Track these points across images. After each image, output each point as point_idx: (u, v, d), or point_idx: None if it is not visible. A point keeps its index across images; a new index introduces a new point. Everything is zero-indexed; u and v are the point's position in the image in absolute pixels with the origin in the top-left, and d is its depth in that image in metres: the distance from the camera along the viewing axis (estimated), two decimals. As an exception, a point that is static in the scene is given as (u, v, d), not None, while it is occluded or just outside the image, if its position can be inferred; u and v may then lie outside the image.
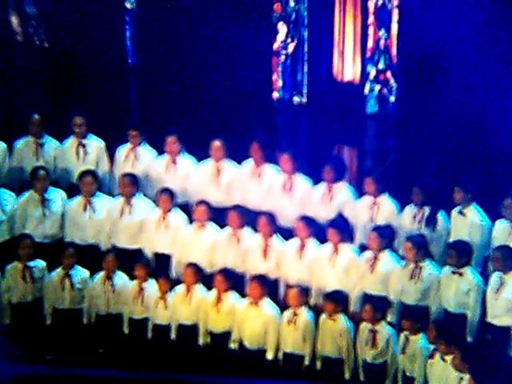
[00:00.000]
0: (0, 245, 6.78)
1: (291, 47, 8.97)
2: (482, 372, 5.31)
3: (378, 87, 8.53)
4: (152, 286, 6.56)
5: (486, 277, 6.12)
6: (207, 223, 6.80)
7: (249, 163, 7.12)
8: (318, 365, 6.20)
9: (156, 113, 8.33)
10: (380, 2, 8.46)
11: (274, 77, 8.97)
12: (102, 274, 6.61)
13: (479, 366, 5.39)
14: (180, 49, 8.77)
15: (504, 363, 5.80)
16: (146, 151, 7.41)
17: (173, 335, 6.53)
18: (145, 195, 7.16)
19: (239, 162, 7.20)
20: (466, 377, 5.40)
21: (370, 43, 8.53)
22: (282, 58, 9.01)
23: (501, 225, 6.26)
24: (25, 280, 6.53)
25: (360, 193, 6.77)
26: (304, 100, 8.82)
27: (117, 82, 8.63)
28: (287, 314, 6.27)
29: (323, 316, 6.19)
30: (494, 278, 6.01)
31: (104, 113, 8.03)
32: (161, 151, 7.35)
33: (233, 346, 6.37)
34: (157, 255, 6.90)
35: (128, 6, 9.29)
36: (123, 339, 6.57)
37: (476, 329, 6.02)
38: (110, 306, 6.58)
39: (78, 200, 6.98)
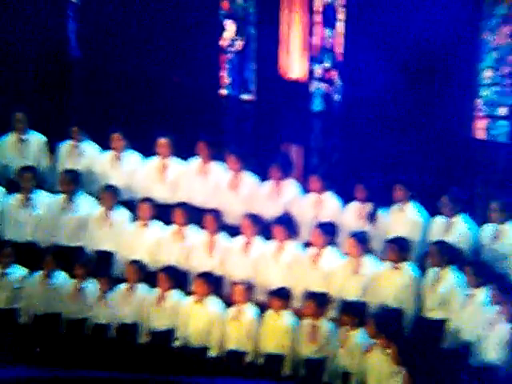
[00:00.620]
0: None
1: (239, 45, 8.94)
2: (417, 365, 5.42)
3: (323, 86, 8.59)
4: (92, 285, 6.43)
5: (424, 272, 6.22)
6: (151, 220, 6.71)
7: (195, 160, 7.07)
8: (261, 361, 6.19)
9: (100, 109, 8.18)
10: (326, 1, 8.52)
11: (222, 74, 8.93)
12: (40, 272, 6.45)
13: (415, 359, 5.50)
14: (126, 44, 8.63)
15: (438, 356, 5.91)
16: (89, 147, 7.28)
17: (113, 334, 6.42)
18: (88, 192, 7.02)
19: (186, 160, 7.13)
20: (402, 370, 5.49)
21: (317, 42, 8.59)
22: (230, 55, 8.97)
23: (438, 221, 6.40)
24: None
25: (306, 190, 6.79)
26: (252, 97, 8.81)
27: (59, 76, 8.44)
28: (232, 310, 6.26)
29: (269, 312, 6.19)
30: (430, 273, 6.14)
31: (46, 108, 7.84)
32: (105, 147, 7.22)
33: (176, 343, 6.29)
34: (99, 253, 6.78)
35: (71, -1, 9.09)
36: (61, 339, 6.42)
37: (412, 323, 6.11)
38: (48, 305, 6.42)
39: (17, 196, 6.80)
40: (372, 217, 6.48)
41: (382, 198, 6.46)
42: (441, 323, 6.03)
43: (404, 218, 6.43)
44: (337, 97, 8.44)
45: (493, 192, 7.01)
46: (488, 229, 6.26)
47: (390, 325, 5.82)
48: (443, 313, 6.03)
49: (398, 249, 6.11)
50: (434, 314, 6.07)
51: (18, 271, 6.47)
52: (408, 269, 6.16)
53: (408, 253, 6.16)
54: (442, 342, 6.00)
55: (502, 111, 7.76)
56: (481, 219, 6.38)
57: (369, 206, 6.51)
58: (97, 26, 8.64)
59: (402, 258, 6.13)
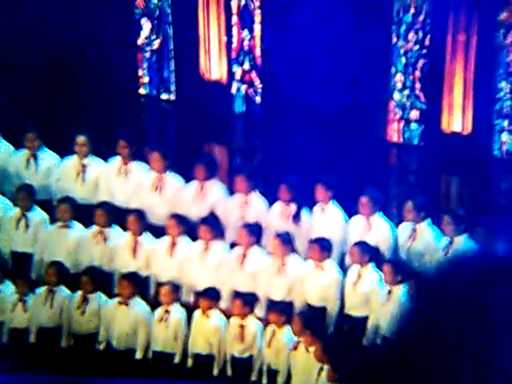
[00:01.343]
0: None
1: (156, 43, 8.84)
2: (340, 361, 5.55)
3: (244, 87, 8.66)
4: (8, 288, 6.16)
5: (344, 271, 6.41)
6: (71, 221, 6.52)
7: (115, 160, 6.93)
8: (190, 362, 6.18)
9: (14, 106, 7.84)
10: (242, 3, 8.57)
11: (140, 72, 8.80)
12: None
13: (338, 355, 5.62)
14: (42, 40, 8.33)
15: (360, 352, 6.11)
16: (2, 146, 6.95)
17: (32, 338, 6.19)
18: (2, 192, 6.71)
19: (105, 159, 6.97)
20: (326, 367, 5.62)
21: (235, 43, 8.63)
22: (148, 54, 8.85)
23: (357, 221, 6.59)
24: None
25: (231, 191, 6.82)
26: (172, 97, 8.73)
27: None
28: (158, 311, 6.20)
29: (197, 313, 6.18)
30: (351, 271, 6.32)
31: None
32: (19, 147, 6.93)
33: (101, 346, 6.16)
34: (15, 255, 6.51)
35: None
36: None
37: (335, 320, 6.28)
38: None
39: None
40: (296, 217, 6.59)
41: (305, 199, 6.57)
42: (362, 320, 6.22)
43: (325, 218, 6.58)
44: (258, 98, 8.55)
45: (407, 192, 7.33)
46: (404, 228, 6.51)
47: (314, 323, 5.92)
48: (364, 310, 6.21)
49: (321, 248, 6.25)
50: (356, 312, 6.25)
51: None
52: (331, 268, 6.31)
53: (330, 252, 6.30)
54: (363, 338, 6.19)
55: (415, 114, 8.15)
56: (397, 219, 6.63)
57: (292, 207, 6.62)
58: (12, 22, 8.28)
59: (324, 258, 6.27)
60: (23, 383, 5.74)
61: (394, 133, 8.15)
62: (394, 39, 7.94)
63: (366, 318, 6.18)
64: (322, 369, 5.64)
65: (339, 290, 6.26)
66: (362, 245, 6.29)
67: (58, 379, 5.78)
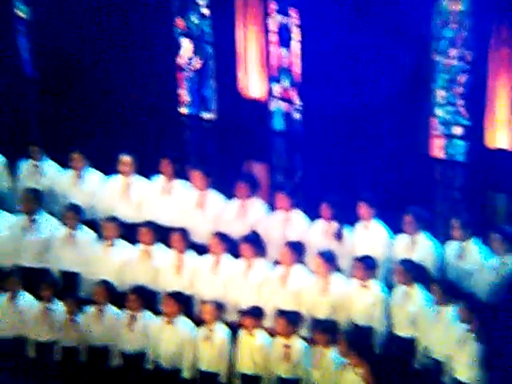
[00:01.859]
0: None
1: (197, 63, 8.98)
2: (389, 383, 5.48)
3: (283, 105, 8.72)
4: (59, 307, 6.31)
5: (390, 289, 6.35)
6: (116, 240, 6.64)
7: (159, 179, 7.05)
8: (237, 382, 6.19)
9: (59, 127, 8.05)
10: (281, 21, 8.65)
11: (181, 92, 8.94)
12: (5, 295, 6.28)
13: (387, 377, 5.56)
14: (82, 61, 8.54)
15: (409, 374, 6.03)
16: (49, 166, 7.16)
17: (83, 357, 6.30)
18: (50, 212, 6.89)
19: (149, 178, 7.10)
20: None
21: (274, 61, 8.71)
22: (189, 73, 9.00)
23: (401, 239, 6.54)
24: None
25: (272, 209, 6.87)
26: (213, 116, 8.84)
27: (15, 95, 8.27)
28: (203, 330, 6.24)
29: (242, 332, 6.20)
30: (398, 291, 6.26)
31: (3, 127, 7.67)
32: (65, 166, 7.12)
33: (149, 366, 6.24)
34: (64, 274, 6.66)
35: (20, 14, 8.91)
36: (30, 363, 6.26)
37: (383, 341, 6.22)
38: (15, 328, 6.25)
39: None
40: (338, 235, 6.59)
41: (347, 216, 6.57)
42: (411, 341, 6.14)
43: (369, 236, 6.55)
44: (297, 115, 8.59)
45: (453, 210, 7.26)
46: (451, 247, 6.41)
47: (360, 343, 5.87)
48: (413, 331, 6.14)
49: (365, 267, 6.21)
50: (404, 332, 6.18)
51: (-18, 294, 6.30)
52: (375, 287, 6.26)
53: (375, 271, 6.27)
54: (413, 360, 6.11)
55: (458, 131, 8.08)
56: (442, 237, 6.55)
57: (334, 224, 6.62)
58: (51, 43, 8.52)
59: (369, 276, 6.24)
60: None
61: (438, 149, 8.09)
62: (435, 55, 7.91)
63: (415, 340, 6.10)
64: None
65: (385, 310, 6.21)
66: (407, 263, 6.22)
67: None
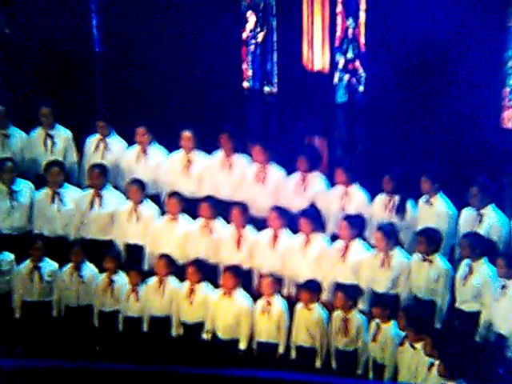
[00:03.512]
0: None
1: (260, 36, 8.94)
2: (451, 357, 5.41)
3: (347, 76, 8.57)
4: (122, 278, 6.51)
5: (453, 264, 6.21)
6: (179, 215, 6.76)
7: (219, 154, 7.10)
8: (293, 354, 6.24)
9: (124, 103, 8.23)
10: (347, -9, 8.47)
11: (244, 66, 8.94)
12: (69, 265, 6.54)
13: (448, 351, 5.48)
14: (148, 37, 8.66)
15: (472, 348, 5.91)
16: (115, 142, 7.34)
17: (145, 327, 6.50)
18: (115, 186, 7.08)
19: (209, 153, 7.16)
20: (436, 363, 5.49)
21: (339, 32, 8.55)
22: (252, 47, 8.97)
23: (467, 213, 6.37)
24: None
25: (331, 182, 6.81)
26: (274, 89, 8.80)
27: (84, 71, 8.50)
28: (260, 303, 6.30)
29: (299, 305, 6.23)
30: (463, 265, 6.12)
31: (72, 103, 7.90)
32: (130, 141, 7.27)
33: (206, 336, 6.37)
34: (128, 247, 6.85)
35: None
36: (94, 331, 6.52)
37: (444, 315, 6.12)
38: (80, 297, 6.51)
39: (46, 191, 6.88)
40: (400, 209, 6.47)
41: (409, 190, 6.44)
42: (474, 316, 6.02)
43: (432, 210, 6.40)
44: (360, 88, 8.43)
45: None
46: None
47: (421, 317, 5.81)
48: (477, 305, 6.02)
49: (428, 240, 6.11)
50: (468, 307, 6.06)
51: (48, 265, 6.56)
52: (438, 261, 6.15)
53: (438, 244, 6.14)
54: (476, 334, 5.99)
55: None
56: (511, 210, 6.34)
57: (396, 198, 6.49)
58: (119, 21, 8.68)
59: (431, 250, 6.12)
60: (134, 371, 6.05)
61: (509, 120, 7.75)
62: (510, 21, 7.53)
63: (478, 314, 5.98)
64: (432, 364, 5.51)
65: (449, 284, 6.10)
66: (472, 237, 6.09)
67: (166, 368, 6.05)
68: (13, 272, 6.50)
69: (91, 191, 6.90)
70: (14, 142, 7.20)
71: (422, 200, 6.50)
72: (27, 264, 6.51)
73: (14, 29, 8.53)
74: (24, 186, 6.89)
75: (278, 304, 6.23)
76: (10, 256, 6.53)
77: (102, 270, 6.59)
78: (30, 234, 6.79)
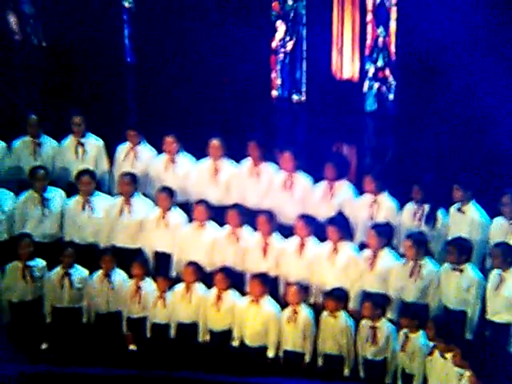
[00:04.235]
0: (0, 243, 6.79)
1: (290, 45, 8.98)
2: (482, 369, 5.31)
3: (376, 85, 8.55)
4: (150, 285, 6.56)
5: (484, 273, 6.12)
6: (207, 222, 6.80)
7: (247, 162, 7.13)
8: (320, 362, 6.21)
9: (154, 111, 8.33)
10: (378, 0, 8.47)
11: (273, 75, 8.98)
12: (100, 272, 6.62)
13: (480, 362, 5.39)
14: (178, 47, 8.77)
15: (504, 360, 5.80)
16: (145, 150, 7.42)
17: (172, 333, 6.54)
18: (144, 194, 7.16)
19: (237, 161, 7.20)
20: (467, 373, 5.41)
21: (369, 41, 8.55)
22: (281, 56, 9.02)
23: (499, 222, 6.28)
24: (25, 279, 6.53)
25: (360, 191, 6.77)
26: (303, 98, 8.83)
27: (115, 80, 8.65)
28: (287, 311, 6.28)
29: (324, 313, 6.20)
30: (494, 274, 6.03)
31: (103, 112, 8.03)
32: (159, 150, 7.35)
33: (234, 344, 6.37)
34: (156, 254, 6.90)
35: (126, 4, 9.29)
36: (123, 338, 6.57)
37: (476, 326, 6.02)
38: (109, 304, 6.58)
39: (77, 199, 6.98)
40: (430, 217, 6.40)
41: (440, 198, 6.37)
42: (507, 327, 5.91)
43: (465, 218, 6.32)
44: (390, 96, 8.40)
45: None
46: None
47: (451, 327, 5.73)
48: (508, 316, 5.91)
49: (459, 250, 6.02)
50: (499, 318, 5.96)
51: (79, 272, 6.64)
52: (469, 270, 6.06)
53: (469, 254, 6.06)
54: (508, 345, 5.88)
55: None
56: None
57: (426, 207, 6.42)
58: (150, 31, 8.81)
59: (462, 260, 6.04)
60: (161, 377, 6.09)
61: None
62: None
63: (510, 325, 5.88)
64: (462, 375, 5.42)
65: (480, 294, 6.01)
66: (504, 246, 5.98)
67: (194, 375, 6.08)
68: (44, 278, 6.60)
69: (121, 199, 6.98)
70: (45, 151, 7.33)
71: (453, 208, 6.42)
72: (58, 270, 6.60)
73: (47, 39, 8.72)
74: (55, 194, 7.00)
75: (305, 312, 6.21)
76: (41, 262, 6.64)
77: (130, 277, 6.65)
78: (61, 241, 6.89)
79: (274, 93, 8.96)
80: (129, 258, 6.72)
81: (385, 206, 6.59)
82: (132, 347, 6.46)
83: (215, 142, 7.15)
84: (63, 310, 6.56)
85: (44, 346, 6.39)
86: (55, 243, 6.86)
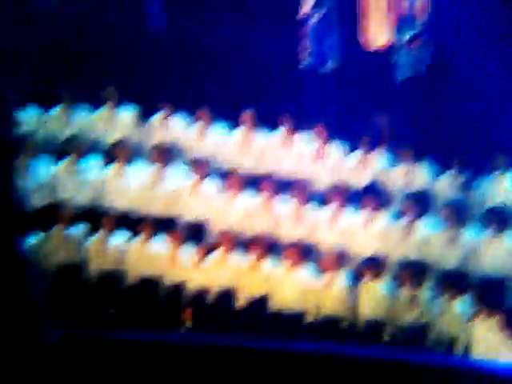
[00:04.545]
0: (41, 210, 6.93)
1: (320, 14, 8.91)
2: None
3: (409, 53, 8.49)
4: (188, 251, 6.68)
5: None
6: (241, 191, 6.87)
7: (280, 132, 7.17)
8: (359, 327, 6.29)
9: (187, 82, 8.34)
10: (409, -33, 8.34)
11: (303, 45, 8.94)
12: (139, 238, 6.73)
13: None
14: (207, 19, 8.74)
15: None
16: (179, 120, 7.48)
17: (210, 300, 6.66)
18: (179, 164, 7.24)
19: (271, 131, 7.24)
20: (510, 339, 5.46)
21: (401, 9, 8.46)
22: (311, 26, 8.96)
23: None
24: (66, 244, 6.68)
25: (395, 160, 6.80)
26: (334, 67, 8.79)
27: (148, 51, 8.64)
28: (325, 278, 6.35)
29: (363, 280, 6.26)
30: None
31: (136, 81, 8.06)
32: (192, 120, 7.41)
33: (272, 310, 6.46)
34: (192, 222, 7.00)
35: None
36: (161, 302, 6.71)
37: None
38: (149, 270, 6.70)
39: (115, 167, 7.07)
40: (469, 185, 6.43)
41: (478, 166, 6.38)
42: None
43: (504, 186, 6.33)
44: (423, 65, 8.35)
45: None
46: None
47: (493, 294, 5.78)
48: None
49: (499, 217, 6.04)
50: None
51: (120, 236, 6.76)
52: (510, 237, 6.07)
53: (509, 221, 6.07)
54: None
55: None
56: None
57: (464, 174, 6.44)
58: (179, 3, 8.77)
59: (503, 227, 6.05)
60: (199, 344, 6.15)
61: None
62: None
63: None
64: (503, 340, 5.50)
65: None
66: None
67: (231, 342, 6.15)
68: (86, 243, 6.74)
69: (156, 168, 7.06)
70: (81, 119, 7.42)
71: (493, 175, 6.41)
72: (99, 235, 6.73)
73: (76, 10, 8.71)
74: (93, 162, 7.11)
75: (342, 279, 6.28)
76: (83, 227, 6.78)
77: (167, 244, 6.74)
78: (101, 208, 7.01)
79: (305, 62, 8.93)
80: (166, 226, 6.83)
81: (422, 174, 6.62)
82: (188, 323, 6.53)
83: (249, 112, 7.20)
84: (105, 275, 6.71)
85: (111, 311, 6.51)
86: (96, 209, 6.98)
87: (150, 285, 6.71)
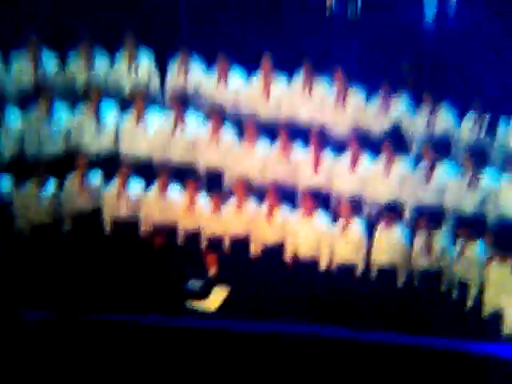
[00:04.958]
0: (57, 157, 6.96)
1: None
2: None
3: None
4: (204, 200, 6.66)
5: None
6: (258, 138, 6.79)
7: (299, 77, 7.02)
8: (373, 274, 6.26)
9: (206, 28, 8.18)
10: None
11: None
12: (155, 185, 6.73)
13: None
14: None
15: None
16: (196, 66, 7.37)
17: (225, 247, 6.67)
18: (197, 110, 7.16)
19: (290, 76, 7.09)
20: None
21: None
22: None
23: None
24: (83, 191, 6.72)
25: (416, 104, 6.61)
26: (358, 12, 8.53)
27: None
28: (340, 224, 6.30)
29: (380, 226, 6.19)
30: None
31: (154, 26, 7.93)
32: (211, 65, 7.29)
33: (287, 257, 6.45)
34: (209, 169, 6.97)
35: None
36: (178, 250, 6.75)
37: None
38: (165, 217, 6.71)
39: (131, 114, 7.04)
40: (490, 128, 6.25)
41: (500, 108, 6.19)
42: None
43: None
44: (449, 7, 8.04)
45: None
46: None
47: (509, 237, 5.68)
48: None
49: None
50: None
51: (136, 184, 6.77)
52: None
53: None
54: None
55: None
56: None
57: (486, 117, 6.26)
58: None
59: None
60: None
61: None
62: None
63: None
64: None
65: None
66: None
67: (247, 290, 6.15)
68: (102, 190, 6.77)
69: (174, 115, 7.00)
70: (99, 65, 7.36)
71: (514, 120, 6.24)
72: (115, 183, 6.75)
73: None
74: (111, 109, 7.08)
75: (358, 226, 6.22)
76: (98, 175, 6.80)
77: (184, 192, 6.74)
78: (118, 155, 7.01)
79: (328, 6, 8.67)
80: (183, 173, 6.81)
81: (443, 118, 6.45)
82: (212, 269, 6.55)
83: (267, 57, 7.05)
84: (121, 222, 6.75)
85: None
86: (112, 156, 6.97)
87: (167, 232, 6.74)
